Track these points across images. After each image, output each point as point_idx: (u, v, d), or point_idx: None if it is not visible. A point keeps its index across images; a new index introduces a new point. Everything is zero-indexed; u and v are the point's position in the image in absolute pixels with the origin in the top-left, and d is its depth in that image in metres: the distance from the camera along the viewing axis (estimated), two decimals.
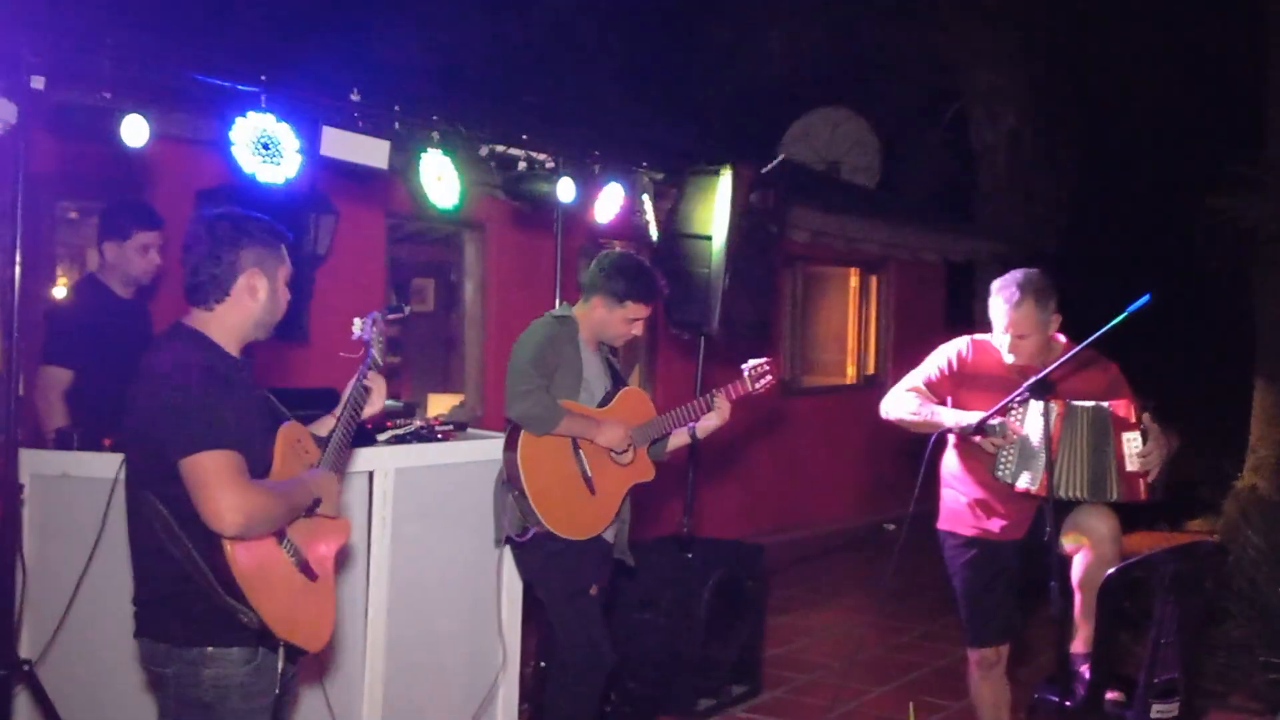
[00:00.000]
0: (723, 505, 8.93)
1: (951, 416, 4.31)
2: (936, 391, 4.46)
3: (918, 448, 4.35)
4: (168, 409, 2.76)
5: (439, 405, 7.68)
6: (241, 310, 2.98)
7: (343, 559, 3.54)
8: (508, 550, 4.69)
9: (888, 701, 6.05)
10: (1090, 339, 3.97)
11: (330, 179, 5.26)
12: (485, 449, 4.69)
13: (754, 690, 6.01)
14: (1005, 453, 4.20)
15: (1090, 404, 4.22)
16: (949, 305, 12.60)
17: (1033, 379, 4.05)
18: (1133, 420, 4.17)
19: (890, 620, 7.67)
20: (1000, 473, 4.21)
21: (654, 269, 4.66)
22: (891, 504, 11.26)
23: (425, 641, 4.57)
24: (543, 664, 5.12)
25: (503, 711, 4.85)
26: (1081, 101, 13.63)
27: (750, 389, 4.71)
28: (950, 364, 4.46)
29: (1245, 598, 5.21)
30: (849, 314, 11.55)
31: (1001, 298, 4.33)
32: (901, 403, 4.46)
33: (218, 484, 2.68)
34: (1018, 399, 4.14)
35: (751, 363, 4.73)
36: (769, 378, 4.74)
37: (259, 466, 2.86)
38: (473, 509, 4.65)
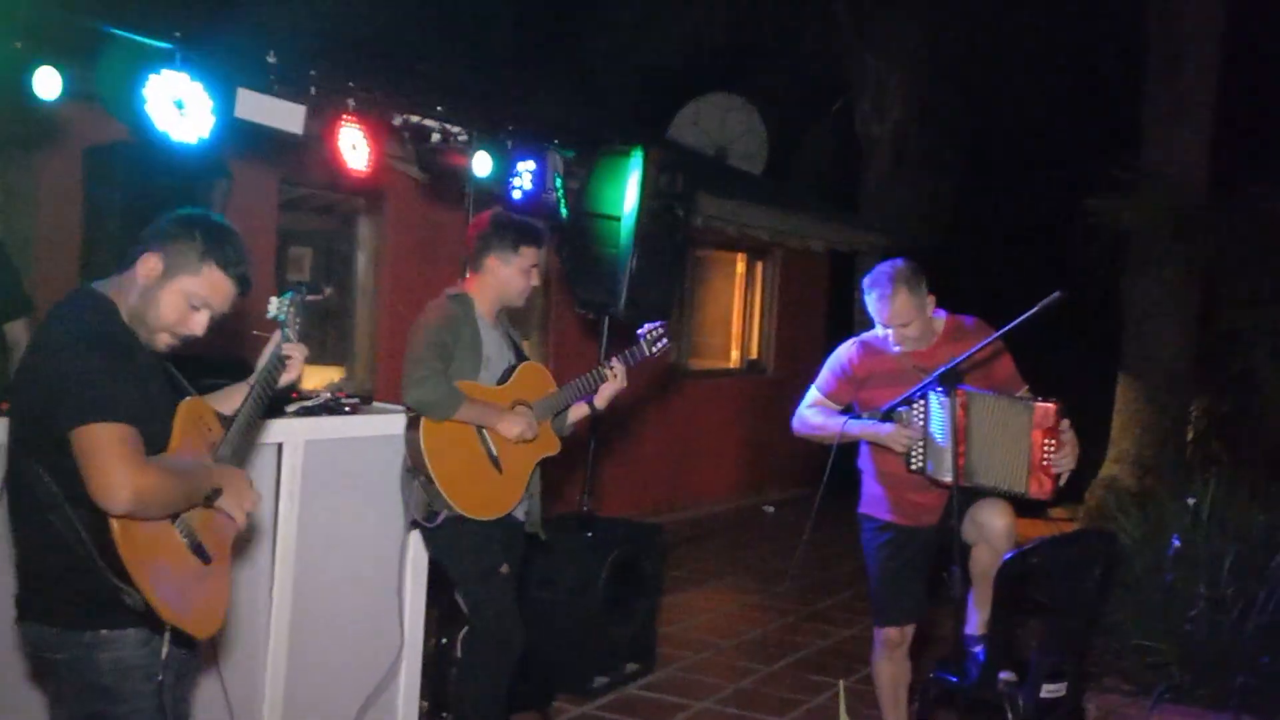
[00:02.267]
0: (609, 485, 8.97)
1: (858, 427, 4.44)
2: (839, 399, 4.56)
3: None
4: (61, 375, 2.60)
5: (316, 378, 7.54)
6: (132, 286, 2.80)
7: (240, 544, 3.41)
8: (414, 532, 4.64)
9: (778, 679, 6.18)
10: (999, 333, 4.12)
11: (224, 142, 5.12)
12: (393, 423, 4.61)
13: (648, 668, 6.07)
14: (915, 447, 4.31)
15: (1006, 400, 4.34)
16: (832, 293, 12.86)
17: (936, 373, 4.17)
18: (1053, 424, 4.30)
19: (775, 601, 7.81)
20: (914, 466, 4.32)
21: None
22: (770, 487, 11.49)
23: (329, 618, 4.48)
24: (443, 640, 5.10)
25: (404, 692, 4.80)
26: (967, 100, 14.00)
27: (648, 353, 4.72)
28: (845, 371, 4.54)
29: (1120, 583, 5.43)
30: (735, 299, 11.70)
31: (875, 293, 4.39)
32: (808, 421, 4.57)
33: (109, 457, 2.51)
34: (918, 392, 4.26)
35: (646, 327, 4.75)
36: (665, 341, 4.75)
37: (157, 443, 2.69)
38: (380, 483, 4.57)
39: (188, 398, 2.89)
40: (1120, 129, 11.04)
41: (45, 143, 5.18)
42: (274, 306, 3.17)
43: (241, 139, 4.54)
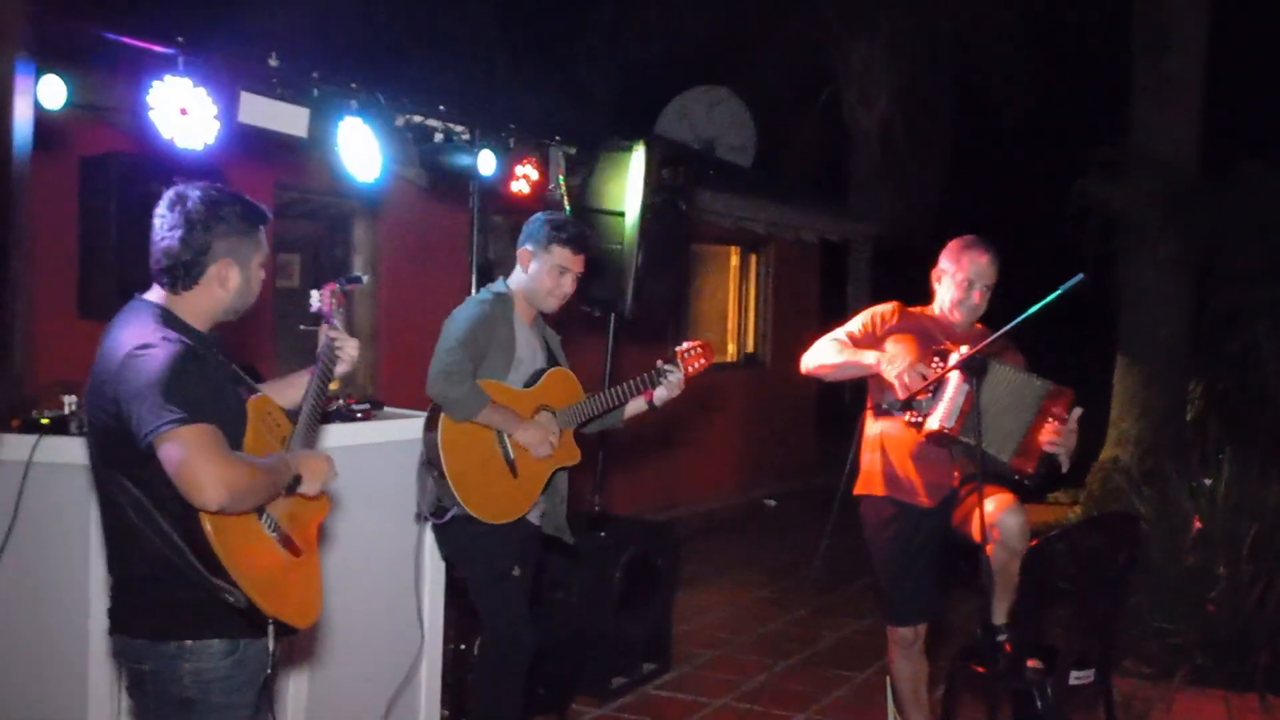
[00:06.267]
0: (610, 483, 8.89)
1: (873, 356, 4.27)
2: (861, 344, 4.40)
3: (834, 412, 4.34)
4: (138, 387, 2.59)
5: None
6: (211, 298, 2.85)
7: (322, 534, 3.40)
8: (428, 531, 4.59)
9: (794, 674, 6.14)
10: (1024, 315, 4.01)
11: (221, 147, 5.05)
12: (405, 428, 4.57)
13: (664, 667, 6.02)
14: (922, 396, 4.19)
15: (1025, 374, 4.28)
16: (824, 284, 12.84)
17: (966, 355, 4.08)
18: (1064, 409, 4.24)
19: (783, 595, 7.79)
20: (913, 419, 4.21)
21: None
22: (771, 479, 11.46)
23: (348, 624, 4.43)
24: (461, 646, 5.04)
25: (425, 693, 4.75)
26: (953, 86, 13.98)
27: (685, 372, 4.60)
28: (876, 321, 4.43)
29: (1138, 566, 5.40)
30: (730, 293, 11.65)
31: (975, 252, 4.35)
32: (822, 352, 4.41)
33: (199, 457, 2.53)
34: (944, 375, 4.18)
35: (685, 345, 4.62)
36: (702, 362, 4.63)
37: (232, 442, 2.72)
38: (393, 489, 4.53)
39: (255, 395, 2.92)
40: (1111, 111, 11.02)
41: (41, 153, 5.09)
42: (316, 299, 3.19)
43: (236, 143, 4.47)
